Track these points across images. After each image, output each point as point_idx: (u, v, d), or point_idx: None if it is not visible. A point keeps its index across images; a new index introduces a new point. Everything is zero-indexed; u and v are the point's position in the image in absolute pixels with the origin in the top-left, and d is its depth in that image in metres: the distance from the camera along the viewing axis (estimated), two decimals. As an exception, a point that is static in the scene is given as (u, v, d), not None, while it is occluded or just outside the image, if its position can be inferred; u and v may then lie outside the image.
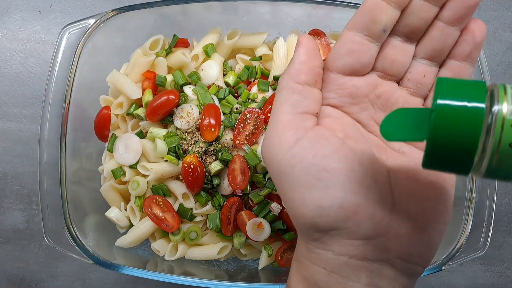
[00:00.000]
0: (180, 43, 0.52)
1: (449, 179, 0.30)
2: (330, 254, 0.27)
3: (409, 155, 0.30)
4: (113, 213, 0.49)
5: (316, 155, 0.26)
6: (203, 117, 0.46)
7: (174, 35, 0.52)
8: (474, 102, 0.21)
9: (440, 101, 0.21)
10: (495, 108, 0.21)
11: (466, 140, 0.21)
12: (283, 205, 0.47)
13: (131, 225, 0.50)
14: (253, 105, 0.49)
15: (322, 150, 0.27)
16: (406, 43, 0.29)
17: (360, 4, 0.49)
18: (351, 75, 0.29)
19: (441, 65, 0.30)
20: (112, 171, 0.48)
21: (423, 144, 0.30)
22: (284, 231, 0.49)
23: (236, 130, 0.47)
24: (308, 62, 0.29)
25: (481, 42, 0.28)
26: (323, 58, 0.55)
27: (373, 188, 0.27)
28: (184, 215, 0.48)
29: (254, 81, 0.52)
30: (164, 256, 0.49)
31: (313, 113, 0.29)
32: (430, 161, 0.22)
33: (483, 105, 0.21)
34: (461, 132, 0.21)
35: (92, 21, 0.47)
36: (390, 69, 0.30)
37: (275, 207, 0.47)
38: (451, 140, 0.21)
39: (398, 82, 0.31)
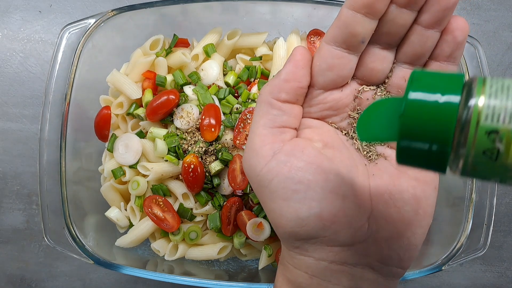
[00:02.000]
0: (180, 43, 0.52)
1: (431, 182, 0.29)
2: (311, 260, 0.27)
3: (390, 158, 0.30)
4: (113, 213, 0.49)
5: (291, 168, 0.27)
6: (203, 117, 0.46)
7: (174, 35, 0.52)
8: (447, 96, 0.19)
9: (411, 94, 0.19)
10: (471, 102, 0.18)
11: (438, 137, 0.19)
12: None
13: (131, 225, 0.50)
14: (253, 105, 0.49)
15: (297, 162, 0.27)
16: (385, 50, 0.29)
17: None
18: (332, 89, 0.29)
19: (423, 66, 0.30)
20: (112, 171, 0.48)
21: None
22: (284, 231, 0.49)
23: (236, 130, 0.47)
24: (293, 82, 0.28)
25: (462, 41, 0.28)
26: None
27: (350, 197, 0.27)
28: (184, 215, 0.48)
29: (254, 81, 0.52)
30: (164, 256, 0.49)
31: (291, 127, 0.29)
32: (402, 157, 0.21)
33: (457, 99, 0.19)
34: (433, 128, 0.19)
35: (92, 21, 0.47)
36: (370, 77, 0.29)
37: (275, 207, 0.47)
38: (422, 136, 0.19)
39: (379, 85, 0.30)
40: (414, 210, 0.28)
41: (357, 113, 0.30)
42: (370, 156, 0.30)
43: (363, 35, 0.27)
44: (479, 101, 0.18)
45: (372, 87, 0.30)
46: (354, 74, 0.29)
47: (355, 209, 0.27)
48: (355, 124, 0.30)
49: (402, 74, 0.29)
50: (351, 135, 0.31)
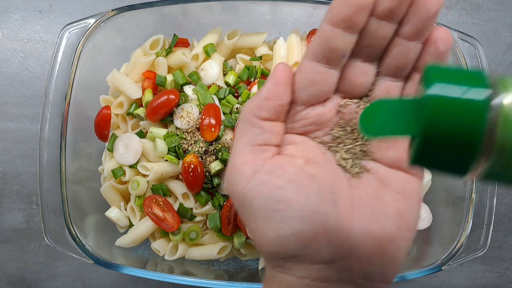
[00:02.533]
0: (180, 43, 0.52)
1: (415, 195, 0.29)
2: (293, 278, 0.27)
3: (373, 171, 0.29)
4: (113, 213, 0.49)
5: (272, 187, 0.27)
6: (203, 117, 0.46)
7: (174, 34, 0.52)
8: (474, 91, 0.17)
9: (432, 91, 0.18)
10: (497, 100, 0.17)
11: (465, 137, 0.17)
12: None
13: (131, 225, 0.50)
14: (253, 105, 0.49)
15: (277, 181, 0.27)
16: (367, 63, 0.28)
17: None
18: (314, 104, 0.29)
19: (406, 78, 0.29)
20: (112, 171, 0.48)
21: (388, 160, 0.29)
22: (284, 231, 0.49)
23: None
24: (274, 100, 0.28)
25: (445, 52, 0.27)
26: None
27: (331, 214, 0.27)
28: (184, 215, 0.48)
29: (254, 81, 0.52)
30: (164, 256, 0.49)
31: (273, 145, 0.29)
32: (420, 158, 0.19)
33: (485, 95, 0.17)
34: (460, 128, 0.17)
35: (92, 20, 0.47)
36: (353, 90, 0.29)
37: (275, 207, 0.47)
38: (446, 137, 0.18)
39: (362, 98, 0.30)
40: (397, 225, 0.28)
41: (340, 127, 0.30)
42: (353, 170, 0.30)
43: (343, 49, 0.27)
44: (506, 99, 0.17)
45: (355, 100, 0.30)
46: (336, 88, 0.29)
47: (336, 226, 0.27)
48: (338, 139, 0.30)
49: (385, 86, 0.29)
50: (334, 150, 0.30)
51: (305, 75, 0.28)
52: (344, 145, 0.30)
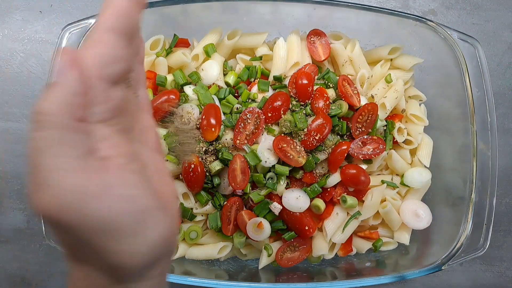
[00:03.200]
0: (180, 43, 0.53)
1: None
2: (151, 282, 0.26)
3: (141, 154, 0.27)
4: (114, 213, 0.49)
5: (128, 201, 0.23)
6: (204, 117, 0.46)
7: (175, 35, 0.52)
8: None
9: None
10: None
11: None
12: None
13: (131, 225, 0.50)
14: (253, 105, 0.49)
15: (127, 191, 0.23)
16: None
17: (361, 5, 0.49)
18: (118, 84, 0.25)
19: None
20: (112, 170, 0.48)
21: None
22: (284, 230, 0.49)
23: (237, 130, 0.47)
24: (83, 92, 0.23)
25: None
26: (325, 58, 0.54)
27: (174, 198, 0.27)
28: (184, 214, 0.48)
29: (254, 81, 0.52)
30: (164, 255, 0.49)
31: (92, 150, 0.24)
32: None
33: None
34: None
35: (92, 21, 0.47)
36: None
37: (275, 206, 0.47)
38: None
39: None
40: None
41: None
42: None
43: (139, 25, 0.26)
44: None
45: None
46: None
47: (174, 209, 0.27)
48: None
49: None
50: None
51: (109, 50, 0.24)
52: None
